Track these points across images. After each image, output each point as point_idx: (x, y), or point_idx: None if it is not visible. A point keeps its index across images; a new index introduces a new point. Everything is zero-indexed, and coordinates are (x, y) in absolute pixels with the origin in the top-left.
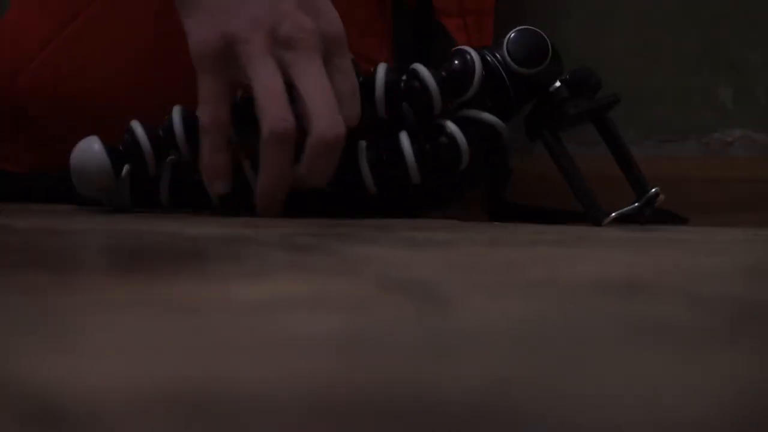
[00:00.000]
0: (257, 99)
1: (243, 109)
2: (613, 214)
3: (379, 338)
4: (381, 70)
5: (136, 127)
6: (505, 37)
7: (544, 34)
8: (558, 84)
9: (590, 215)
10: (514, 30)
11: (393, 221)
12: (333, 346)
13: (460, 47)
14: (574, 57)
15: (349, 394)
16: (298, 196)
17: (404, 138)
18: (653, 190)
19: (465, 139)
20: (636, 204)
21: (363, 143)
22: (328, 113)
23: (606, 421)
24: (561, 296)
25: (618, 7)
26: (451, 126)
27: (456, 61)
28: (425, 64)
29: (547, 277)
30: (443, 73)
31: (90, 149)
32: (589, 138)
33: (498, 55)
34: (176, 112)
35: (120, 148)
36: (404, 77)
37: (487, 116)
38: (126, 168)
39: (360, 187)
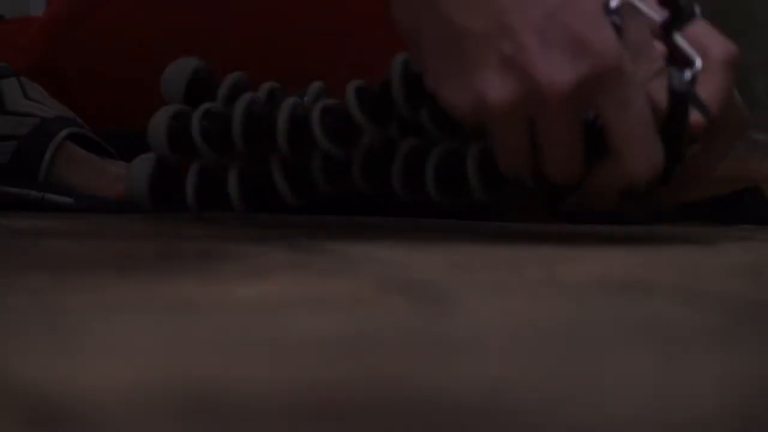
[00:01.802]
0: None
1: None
2: None
3: (379, 338)
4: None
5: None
6: None
7: None
8: None
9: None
10: None
11: (393, 221)
12: (333, 346)
13: None
14: None
15: (349, 393)
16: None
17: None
18: None
19: None
20: None
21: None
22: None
23: (606, 420)
24: (561, 296)
25: None
26: None
27: None
28: None
29: (547, 277)
30: None
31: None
32: None
33: None
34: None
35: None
36: None
37: None
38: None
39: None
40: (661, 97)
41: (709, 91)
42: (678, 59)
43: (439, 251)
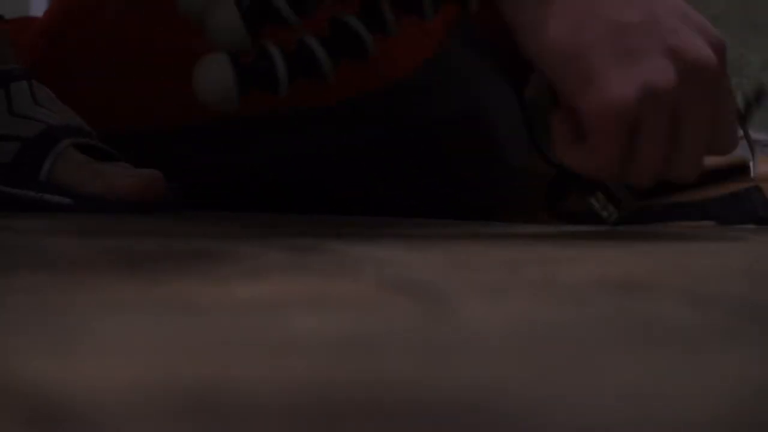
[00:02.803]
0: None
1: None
2: None
3: (379, 338)
4: None
5: None
6: None
7: None
8: None
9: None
10: None
11: (393, 221)
12: (333, 346)
13: None
14: None
15: (349, 394)
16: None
17: None
18: None
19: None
20: None
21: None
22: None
23: (606, 421)
24: (561, 296)
25: None
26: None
27: None
28: None
29: (547, 277)
30: None
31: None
32: None
33: None
34: None
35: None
36: None
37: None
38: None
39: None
40: None
41: None
42: None
43: (439, 251)
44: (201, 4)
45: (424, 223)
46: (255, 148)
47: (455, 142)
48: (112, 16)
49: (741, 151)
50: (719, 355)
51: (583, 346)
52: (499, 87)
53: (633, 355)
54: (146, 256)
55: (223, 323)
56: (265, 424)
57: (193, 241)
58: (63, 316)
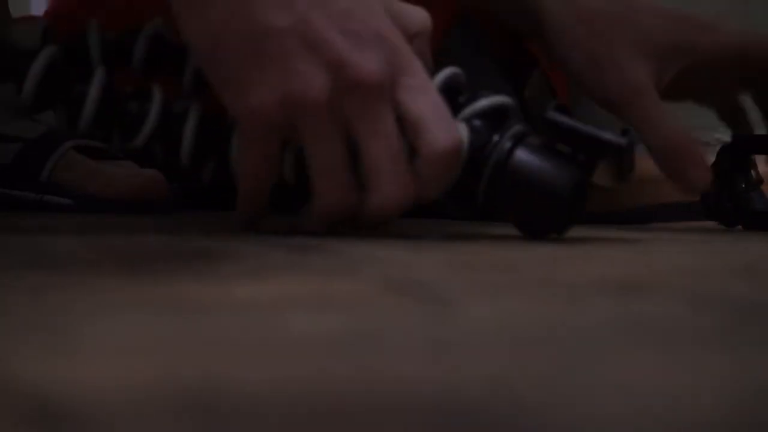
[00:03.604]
0: (313, 175)
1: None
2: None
3: (379, 338)
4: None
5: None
6: None
7: None
8: None
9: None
10: None
11: (393, 221)
12: (333, 346)
13: None
14: None
15: (349, 394)
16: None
17: None
18: None
19: None
20: None
21: None
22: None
23: (605, 421)
24: (561, 296)
25: None
26: None
27: None
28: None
29: (547, 277)
30: None
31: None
32: None
33: None
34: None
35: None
36: None
37: None
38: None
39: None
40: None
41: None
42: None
43: (439, 251)
44: None
45: (424, 224)
46: None
47: None
48: (112, 16)
49: None
50: (719, 355)
51: (583, 346)
52: (499, 87)
53: (633, 355)
54: (146, 256)
55: (223, 323)
56: (265, 424)
57: (193, 241)
58: (63, 316)
